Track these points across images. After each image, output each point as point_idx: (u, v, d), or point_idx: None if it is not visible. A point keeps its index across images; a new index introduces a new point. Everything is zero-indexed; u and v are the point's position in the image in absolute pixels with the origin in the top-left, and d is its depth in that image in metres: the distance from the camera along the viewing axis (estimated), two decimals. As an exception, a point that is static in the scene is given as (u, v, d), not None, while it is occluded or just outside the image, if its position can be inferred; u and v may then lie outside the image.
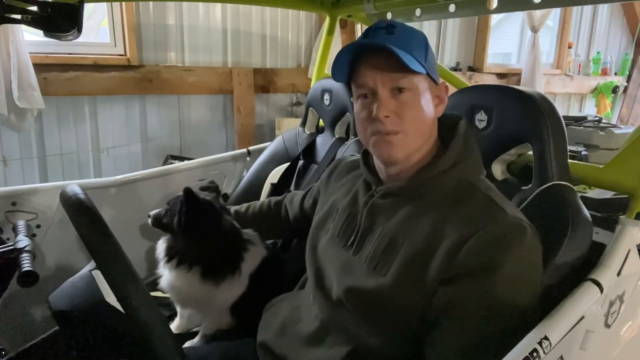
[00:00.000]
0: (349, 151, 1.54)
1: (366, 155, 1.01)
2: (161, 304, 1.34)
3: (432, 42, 4.08)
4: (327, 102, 1.68)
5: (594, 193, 1.35)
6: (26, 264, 1.08)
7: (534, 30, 4.51)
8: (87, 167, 2.78)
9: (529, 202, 0.98)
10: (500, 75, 4.61)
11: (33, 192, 1.45)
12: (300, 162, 1.74)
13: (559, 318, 0.77)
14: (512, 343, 0.72)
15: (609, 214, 1.11)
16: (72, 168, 2.73)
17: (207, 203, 1.19)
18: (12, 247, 1.15)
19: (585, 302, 0.83)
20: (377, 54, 0.84)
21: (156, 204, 1.41)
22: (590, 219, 0.93)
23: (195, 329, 1.29)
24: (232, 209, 1.36)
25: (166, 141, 3.00)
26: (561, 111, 1.18)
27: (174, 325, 1.31)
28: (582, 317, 0.82)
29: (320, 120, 1.80)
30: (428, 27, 4.00)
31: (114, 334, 0.87)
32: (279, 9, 3.18)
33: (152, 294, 1.26)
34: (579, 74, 5.22)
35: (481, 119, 1.10)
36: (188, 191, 1.14)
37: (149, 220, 1.26)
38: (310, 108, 1.79)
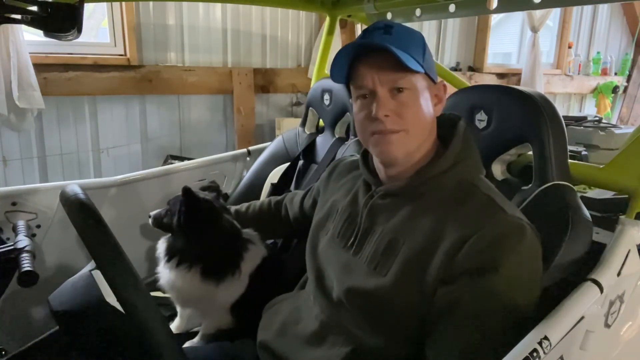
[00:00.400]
0: (349, 151, 1.54)
1: (366, 155, 1.01)
2: (161, 304, 1.34)
3: (432, 42, 4.12)
4: (327, 102, 1.68)
5: (594, 193, 1.35)
6: (26, 264, 1.08)
7: (534, 30, 4.51)
8: (87, 167, 2.78)
9: (529, 202, 0.98)
10: (500, 75, 4.61)
11: (33, 192, 1.45)
12: (300, 162, 1.74)
13: (559, 318, 0.77)
14: (512, 343, 0.72)
15: (609, 214, 1.11)
16: (72, 168, 2.73)
17: (206, 202, 1.19)
18: (12, 247, 1.15)
19: (585, 302, 0.83)
20: (375, 54, 0.84)
21: (156, 204, 1.41)
22: (590, 219, 0.93)
23: (195, 329, 1.29)
24: (232, 208, 1.36)
25: (166, 141, 3.00)
26: (561, 111, 1.18)
27: (174, 325, 1.31)
28: (582, 317, 0.82)
29: (320, 120, 1.80)
30: (428, 27, 4.00)
31: (114, 334, 0.87)
32: (279, 9, 3.18)
33: (152, 294, 1.27)
34: (579, 74, 5.22)
35: (481, 119, 1.10)
36: (187, 190, 1.14)
37: (150, 221, 1.26)
38: (310, 108, 1.79)
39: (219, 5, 2.98)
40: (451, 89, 1.29)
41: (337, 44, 2.37)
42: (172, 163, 2.29)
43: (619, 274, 0.91)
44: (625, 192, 1.03)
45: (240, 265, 1.18)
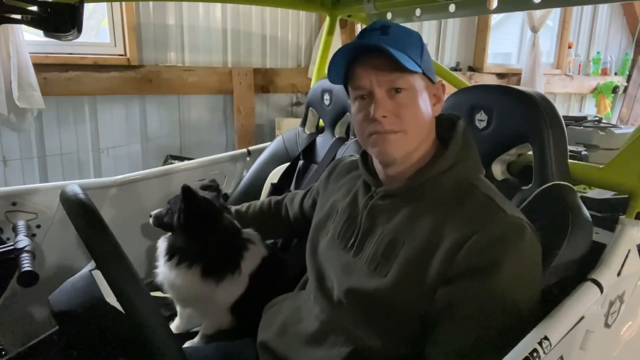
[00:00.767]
0: (349, 151, 1.54)
1: (365, 156, 1.01)
2: (161, 304, 1.34)
3: (432, 42, 4.11)
4: (327, 102, 1.68)
5: (594, 193, 1.35)
6: (26, 264, 1.08)
7: (534, 30, 4.51)
8: (87, 167, 2.78)
9: (529, 202, 0.98)
10: (500, 75, 4.61)
11: (33, 192, 1.45)
12: (300, 162, 1.74)
13: (559, 318, 0.77)
14: (512, 343, 0.72)
15: (609, 214, 1.11)
16: (72, 168, 2.73)
17: (206, 200, 1.19)
18: (12, 247, 1.15)
19: (585, 302, 0.82)
20: (372, 55, 0.84)
21: (156, 204, 1.41)
22: (590, 219, 0.93)
23: (195, 329, 1.29)
24: (233, 208, 1.36)
25: (166, 141, 3.00)
26: (561, 111, 1.18)
27: (174, 325, 1.31)
28: (582, 317, 0.82)
29: (320, 120, 1.80)
30: (428, 27, 4.00)
31: (114, 334, 0.87)
32: (279, 9, 3.18)
33: (152, 294, 1.27)
34: (579, 74, 5.22)
35: (481, 119, 1.10)
36: (186, 188, 1.14)
37: (151, 220, 1.27)
38: (310, 108, 1.79)
39: (219, 5, 2.98)
40: (451, 89, 1.29)
41: (337, 44, 2.37)
42: (172, 163, 2.28)
43: (619, 274, 0.91)
44: (625, 192, 1.03)
45: (241, 265, 1.18)
